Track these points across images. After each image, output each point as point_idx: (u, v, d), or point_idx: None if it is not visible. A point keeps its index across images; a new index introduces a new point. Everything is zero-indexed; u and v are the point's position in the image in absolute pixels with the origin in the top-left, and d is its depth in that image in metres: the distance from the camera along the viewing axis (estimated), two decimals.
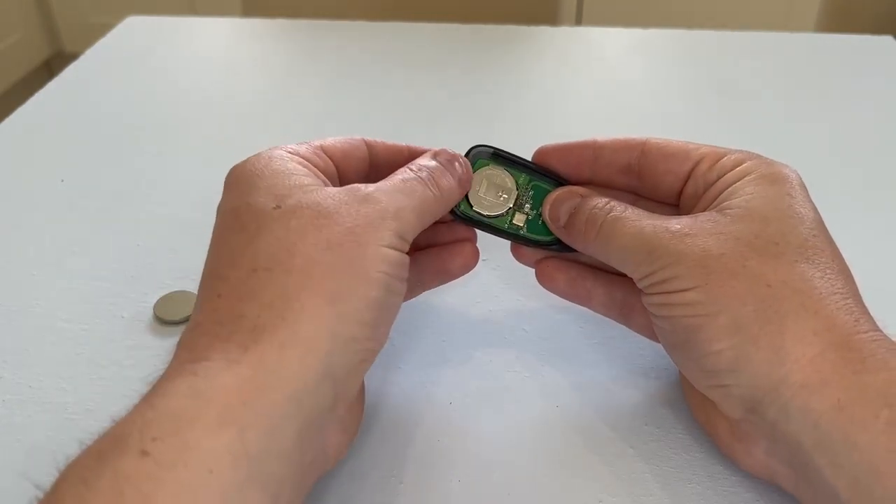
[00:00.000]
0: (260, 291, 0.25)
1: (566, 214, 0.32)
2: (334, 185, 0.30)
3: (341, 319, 0.25)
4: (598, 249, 0.31)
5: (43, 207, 0.47)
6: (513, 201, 0.33)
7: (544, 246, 0.33)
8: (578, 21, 1.65)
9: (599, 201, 0.31)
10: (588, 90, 0.63)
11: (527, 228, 0.33)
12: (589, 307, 0.34)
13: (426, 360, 0.35)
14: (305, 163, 0.29)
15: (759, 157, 0.31)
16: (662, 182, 0.32)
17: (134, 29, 0.73)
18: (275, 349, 0.24)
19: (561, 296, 0.34)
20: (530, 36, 0.73)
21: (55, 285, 0.40)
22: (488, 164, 0.33)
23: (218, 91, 0.63)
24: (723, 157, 0.31)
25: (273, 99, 0.61)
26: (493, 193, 0.33)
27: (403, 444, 0.31)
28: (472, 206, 0.33)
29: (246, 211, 0.27)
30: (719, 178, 0.31)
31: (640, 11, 1.62)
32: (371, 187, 0.28)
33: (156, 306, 0.38)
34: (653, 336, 0.33)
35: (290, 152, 0.30)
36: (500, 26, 0.73)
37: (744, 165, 0.30)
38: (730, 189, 0.30)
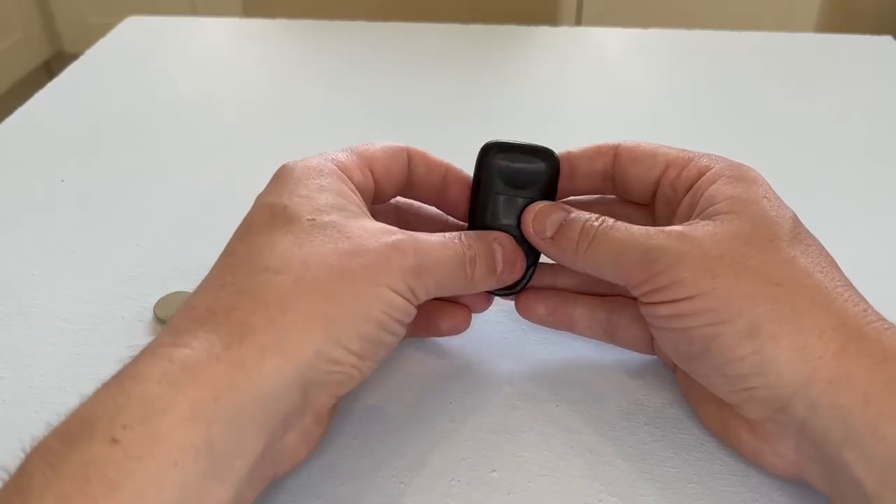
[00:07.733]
0: (261, 290, 0.25)
1: (553, 227, 0.31)
2: (368, 200, 0.31)
3: (329, 342, 0.25)
4: (590, 260, 0.30)
5: (43, 207, 0.47)
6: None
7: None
8: (578, 21, 1.65)
9: (591, 215, 0.30)
10: (588, 90, 0.63)
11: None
12: (572, 332, 0.34)
13: (426, 360, 0.35)
14: (347, 180, 0.30)
15: (723, 159, 0.31)
16: (633, 187, 0.33)
17: (134, 29, 0.73)
18: (256, 352, 0.24)
19: (543, 325, 0.35)
20: (530, 36, 0.73)
21: (55, 285, 0.40)
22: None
23: (218, 91, 0.62)
24: (689, 164, 0.31)
25: (273, 99, 0.61)
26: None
27: (403, 444, 0.31)
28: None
29: (282, 212, 0.28)
30: (689, 187, 0.31)
31: (640, 11, 1.62)
32: (407, 235, 0.28)
33: (156, 306, 0.38)
34: (640, 349, 0.33)
35: (337, 165, 0.30)
36: (500, 26, 0.73)
37: (711, 171, 0.30)
38: (706, 196, 0.30)
